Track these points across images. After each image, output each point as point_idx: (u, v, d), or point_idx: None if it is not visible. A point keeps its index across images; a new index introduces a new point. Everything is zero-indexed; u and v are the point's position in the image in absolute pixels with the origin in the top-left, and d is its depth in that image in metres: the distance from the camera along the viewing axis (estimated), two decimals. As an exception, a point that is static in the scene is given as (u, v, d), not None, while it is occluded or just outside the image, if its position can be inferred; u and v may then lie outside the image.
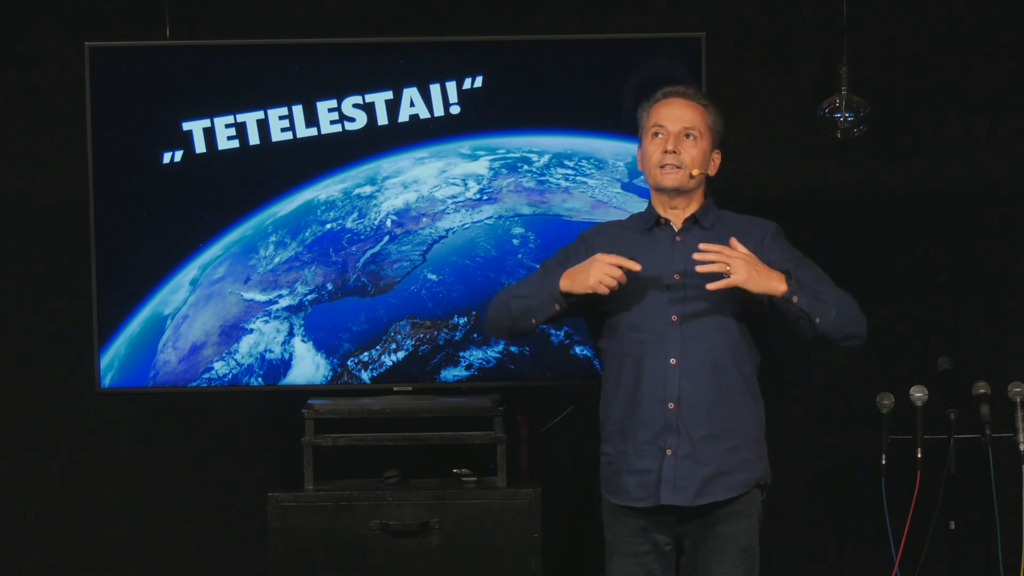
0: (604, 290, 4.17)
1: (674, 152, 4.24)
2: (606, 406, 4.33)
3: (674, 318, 4.23)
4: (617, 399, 4.28)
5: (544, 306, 4.28)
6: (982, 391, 5.35)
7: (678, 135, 4.25)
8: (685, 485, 4.21)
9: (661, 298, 4.24)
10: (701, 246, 4.15)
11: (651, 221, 4.32)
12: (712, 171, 4.33)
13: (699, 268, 4.13)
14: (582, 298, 4.25)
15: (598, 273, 4.17)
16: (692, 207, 4.32)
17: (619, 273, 4.17)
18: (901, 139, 5.64)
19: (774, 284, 4.15)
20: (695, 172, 4.25)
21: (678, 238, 4.29)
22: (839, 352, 5.61)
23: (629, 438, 4.25)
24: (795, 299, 4.14)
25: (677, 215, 4.32)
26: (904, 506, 5.33)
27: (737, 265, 4.11)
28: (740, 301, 4.24)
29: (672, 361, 4.21)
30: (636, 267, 4.17)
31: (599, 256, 4.19)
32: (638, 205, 4.39)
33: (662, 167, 4.26)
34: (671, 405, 4.20)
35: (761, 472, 4.30)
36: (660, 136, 4.26)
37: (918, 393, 5.35)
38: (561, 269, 4.31)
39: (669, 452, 4.21)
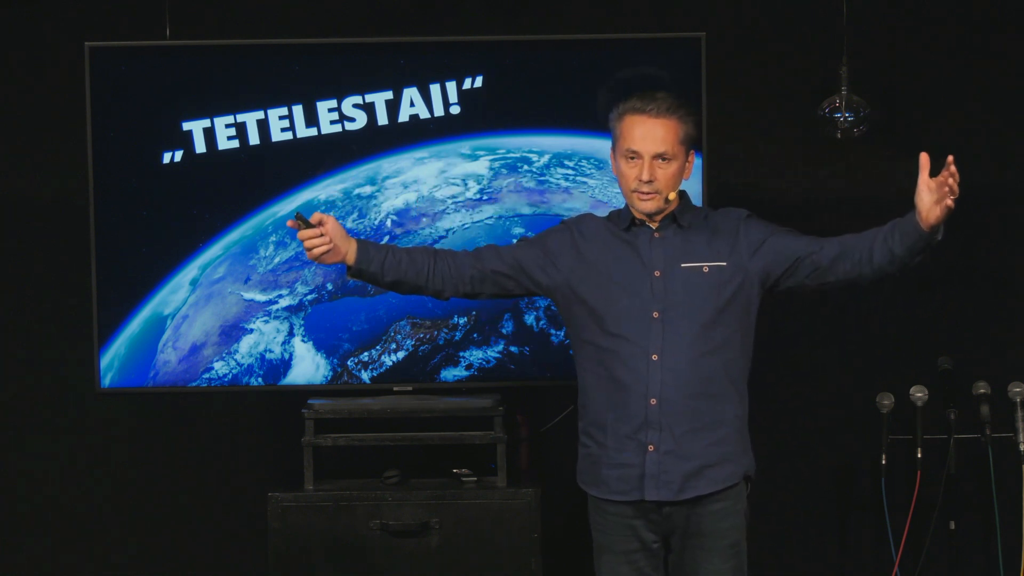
0: (323, 255, 4.24)
1: (649, 181, 4.23)
2: (584, 398, 4.33)
3: (655, 314, 4.23)
4: (597, 392, 4.28)
5: None
6: (982, 391, 5.35)
7: (651, 161, 4.23)
8: (669, 480, 4.22)
9: (642, 294, 4.24)
10: (950, 161, 4.09)
11: (627, 221, 4.32)
12: (687, 175, 4.31)
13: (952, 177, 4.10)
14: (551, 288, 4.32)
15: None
16: (668, 209, 4.31)
17: (312, 233, 4.22)
18: (901, 139, 5.64)
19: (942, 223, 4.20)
20: (671, 196, 4.25)
21: (657, 235, 4.29)
22: (839, 351, 5.64)
23: (610, 432, 4.26)
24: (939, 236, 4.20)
25: (654, 224, 4.31)
26: (904, 506, 5.33)
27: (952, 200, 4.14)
28: (724, 294, 4.24)
29: (654, 357, 4.22)
30: (323, 218, 4.23)
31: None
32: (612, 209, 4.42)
33: (637, 193, 4.25)
34: (653, 401, 4.21)
35: (746, 464, 4.30)
36: (634, 160, 4.24)
37: (918, 393, 5.35)
38: (535, 246, 4.34)
39: (651, 448, 4.22)
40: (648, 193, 4.23)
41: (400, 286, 4.36)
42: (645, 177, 4.22)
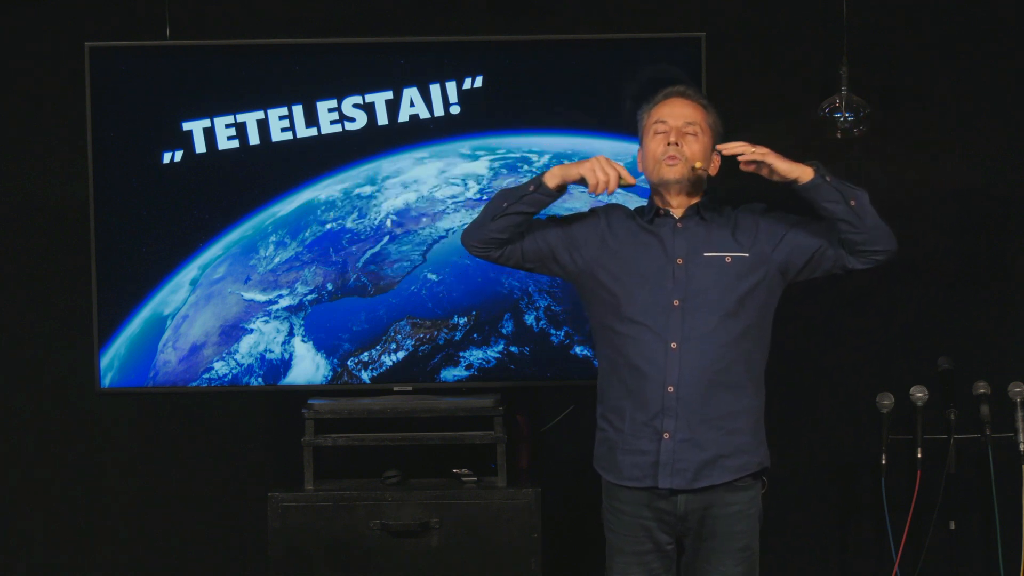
0: (593, 179, 4.23)
1: (676, 144, 4.27)
2: (603, 384, 4.35)
3: (676, 302, 4.24)
4: (616, 378, 4.29)
5: (521, 189, 4.35)
6: (982, 391, 5.35)
7: (680, 129, 4.28)
8: (683, 468, 4.23)
9: (663, 282, 4.26)
10: (719, 147, 4.24)
11: (651, 213, 4.34)
12: (713, 171, 4.35)
13: (727, 151, 4.22)
14: (579, 262, 4.33)
15: (595, 164, 4.24)
16: (693, 202, 4.34)
17: (614, 176, 4.23)
18: (901, 139, 5.64)
19: (801, 168, 4.22)
20: (697, 165, 4.28)
21: (679, 224, 4.31)
22: (839, 351, 5.65)
23: (627, 418, 4.27)
24: (828, 178, 4.21)
25: (678, 213, 4.34)
26: (904, 506, 5.33)
27: (763, 148, 4.22)
28: (745, 284, 4.25)
29: (673, 345, 4.23)
30: (632, 180, 4.26)
31: (601, 156, 4.27)
32: (637, 205, 4.43)
33: (664, 159, 4.28)
34: (670, 388, 4.22)
35: (760, 456, 4.31)
36: (662, 131, 4.29)
37: (918, 393, 5.35)
38: (563, 228, 4.36)
39: (666, 435, 4.23)
40: (674, 157, 4.26)
41: (507, 228, 4.37)
42: (672, 139, 4.27)
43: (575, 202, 5.23)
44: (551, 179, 4.31)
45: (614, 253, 4.32)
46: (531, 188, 4.33)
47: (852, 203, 4.22)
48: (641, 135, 4.36)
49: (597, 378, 4.38)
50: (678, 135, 4.28)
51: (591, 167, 4.25)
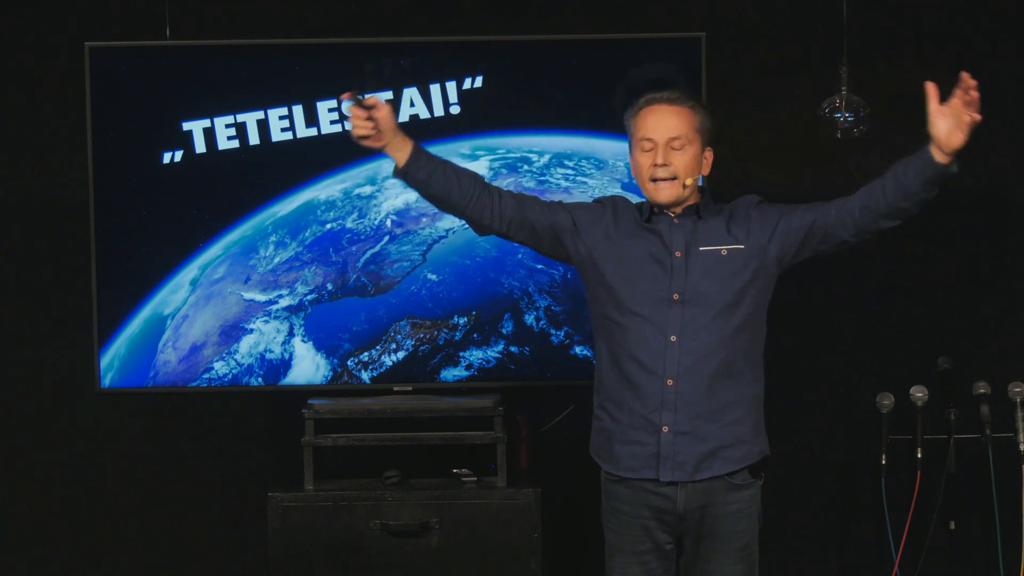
0: (359, 137, 4.18)
1: (665, 165, 4.24)
2: (601, 374, 4.34)
3: (675, 296, 4.24)
4: (616, 369, 4.28)
5: None
6: (982, 391, 5.35)
7: (666, 146, 4.25)
8: (684, 461, 4.23)
9: (662, 276, 4.26)
10: (965, 75, 4.14)
11: (648, 211, 4.33)
12: (705, 170, 4.33)
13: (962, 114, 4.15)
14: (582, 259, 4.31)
15: (353, 124, 4.19)
16: (689, 203, 4.33)
17: (364, 124, 4.16)
18: (901, 139, 5.63)
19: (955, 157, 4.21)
20: (688, 182, 4.26)
21: (676, 221, 4.30)
22: (839, 351, 5.65)
23: (625, 410, 4.26)
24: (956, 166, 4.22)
25: (676, 209, 4.33)
26: (904, 506, 5.33)
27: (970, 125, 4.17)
28: (743, 276, 4.25)
29: (672, 338, 4.23)
30: (375, 101, 4.16)
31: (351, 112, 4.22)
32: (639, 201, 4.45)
33: (654, 181, 4.26)
34: (670, 382, 4.22)
35: (761, 446, 4.30)
36: (649, 151, 4.26)
37: (918, 393, 5.35)
38: (568, 213, 4.33)
39: (665, 429, 4.23)
40: (664, 179, 4.24)
41: (441, 202, 4.29)
42: (660, 161, 4.23)
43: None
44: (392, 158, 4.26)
45: (616, 245, 4.31)
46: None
47: (934, 192, 4.24)
48: (629, 142, 4.33)
49: (595, 369, 4.38)
50: (665, 154, 4.25)
51: (354, 133, 4.20)
